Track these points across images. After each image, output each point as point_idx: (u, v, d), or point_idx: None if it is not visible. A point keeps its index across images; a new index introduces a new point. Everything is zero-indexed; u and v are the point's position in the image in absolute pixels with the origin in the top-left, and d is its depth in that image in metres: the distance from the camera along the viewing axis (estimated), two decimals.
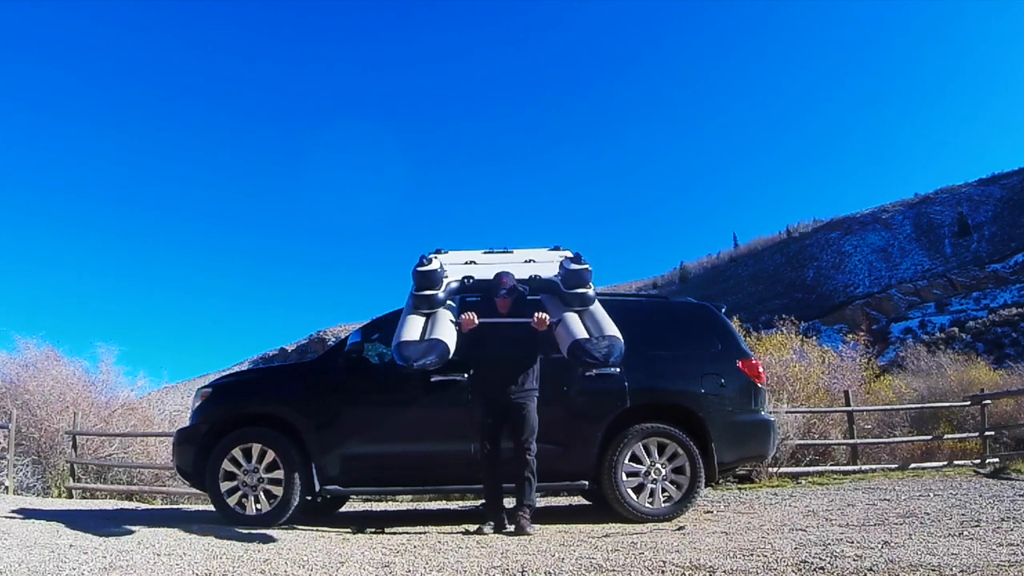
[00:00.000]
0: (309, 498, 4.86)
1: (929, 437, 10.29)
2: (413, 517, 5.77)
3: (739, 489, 7.54)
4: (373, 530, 4.42)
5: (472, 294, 4.60)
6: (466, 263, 4.77)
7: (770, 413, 5.28)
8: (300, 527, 4.58)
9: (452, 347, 4.04)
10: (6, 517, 5.27)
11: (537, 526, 4.55)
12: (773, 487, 7.66)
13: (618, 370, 4.77)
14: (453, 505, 7.11)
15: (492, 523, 4.31)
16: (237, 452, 4.72)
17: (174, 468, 5.44)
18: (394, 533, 4.36)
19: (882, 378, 15.54)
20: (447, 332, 4.11)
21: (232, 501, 4.69)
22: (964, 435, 10.50)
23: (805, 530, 4.03)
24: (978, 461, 9.15)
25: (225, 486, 4.69)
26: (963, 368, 16.97)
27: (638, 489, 4.64)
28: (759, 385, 4.96)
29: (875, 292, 69.72)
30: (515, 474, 4.32)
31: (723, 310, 5.41)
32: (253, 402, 4.99)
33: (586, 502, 6.11)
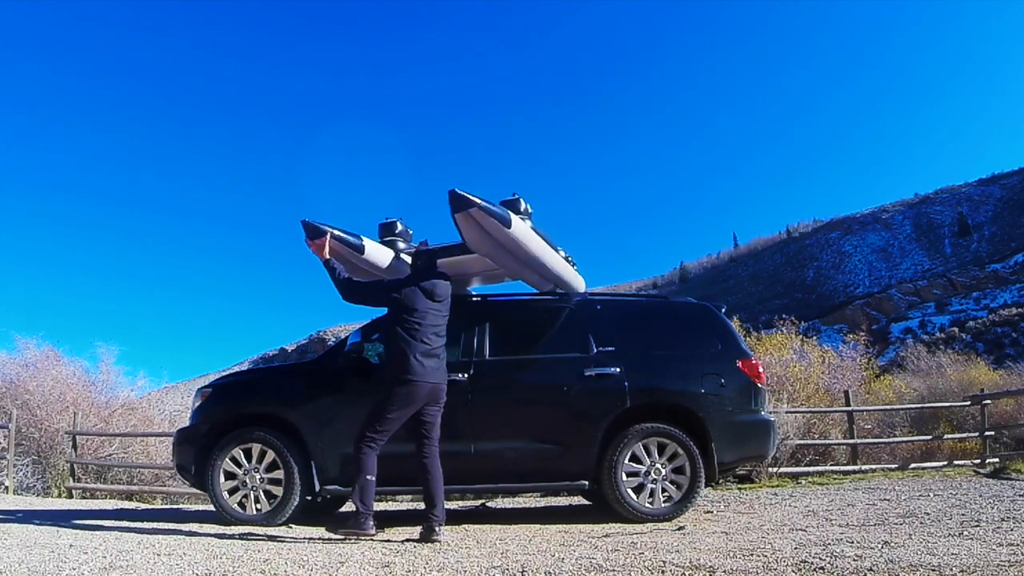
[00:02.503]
0: (309, 498, 4.86)
1: (929, 437, 10.29)
2: (413, 517, 5.77)
3: (739, 489, 7.54)
4: None
5: None
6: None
7: (770, 413, 5.27)
8: (300, 527, 4.58)
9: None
10: (6, 517, 5.27)
11: (536, 526, 4.56)
12: (773, 487, 7.65)
13: (618, 370, 4.80)
14: (453, 505, 7.10)
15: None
16: (237, 452, 4.72)
17: (174, 468, 5.44)
18: (394, 533, 4.35)
19: (882, 378, 15.56)
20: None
21: (232, 501, 4.69)
22: (964, 435, 10.50)
23: (805, 530, 4.03)
24: (978, 461, 9.15)
25: (225, 486, 4.69)
26: (963, 368, 16.98)
27: (638, 489, 4.64)
28: (759, 385, 4.95)
29: (875, 292, 69.74)
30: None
31: (723, 310, 5.40)
32: (253, 402, 4.99)
33: (586, 502, 6.11)
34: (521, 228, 4.42)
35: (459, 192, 4.03)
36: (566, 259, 5.28)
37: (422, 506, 4.10)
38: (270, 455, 4.69)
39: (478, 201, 4.05)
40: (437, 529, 3.90)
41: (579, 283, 5.50)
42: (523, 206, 4.77)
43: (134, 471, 9.72)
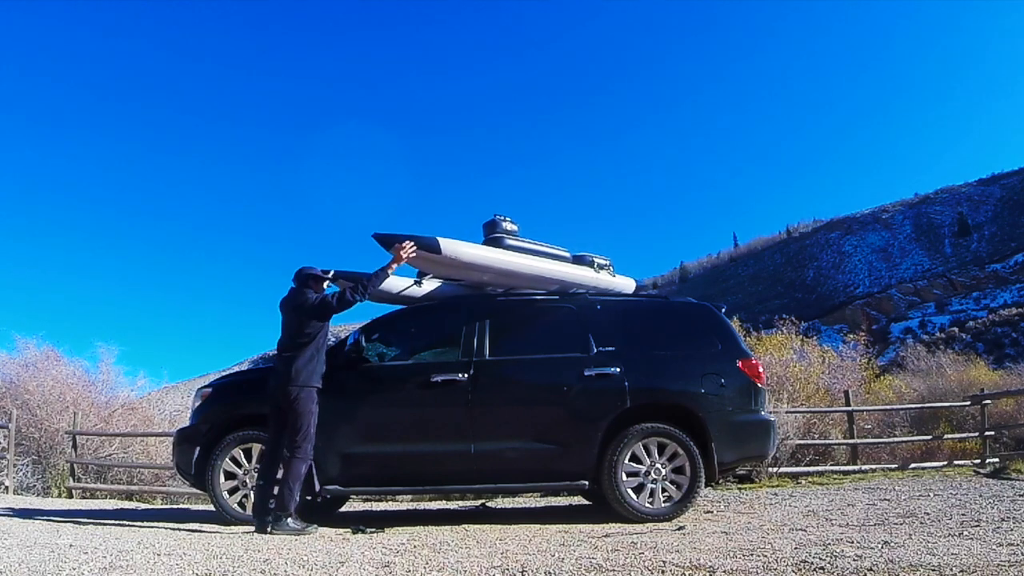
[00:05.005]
0: (309, 498, 4.86)
1: (929, 437, 10.29)
2: (413, 517, 5.77)
3: (739, 489, 7.54)
4: (373, 530, 4.42)
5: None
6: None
7: (770, 413, 5.27)
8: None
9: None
10: (6, 517, 5.27)
11: (536, 526, 4.55)
12: (773, 487, 7.66)
13: (618, 370, 4.80)
14: (453, 505, 7.11)
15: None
16: (237, 452, 4.74)
17: (174, 468, 5.44)
18: (394, 533, 4.36)
19: (882, 378, 15.58)
20: None
21: (232, 501, 4.70)
22: (964, 435, 10.50)
23: (805, 530, 4.03)
24: (978, 461, 9.15)
25: (225, 486, 4.70)
26: (963, 368, 17.02)
27: (638, 489, 4.64)
28: (759, 385, 4.95)
29: (875, 292, 69.75)
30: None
31: (723, 310, 5.41)
32: (253, 402, 4.98)
33: (586, 502, 6.12)
34: (462, 248, 4.82)
35: (380, 233, 4.64)
36: (594, 265, 5.55)
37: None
38: None
39: (400, 236, 4.59)
40: (274, 522, 4.24)
41: (613, 284, 5.68)
42: (504, 225, 5.27)
43: (134, 471, 9.72)
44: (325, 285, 4.72)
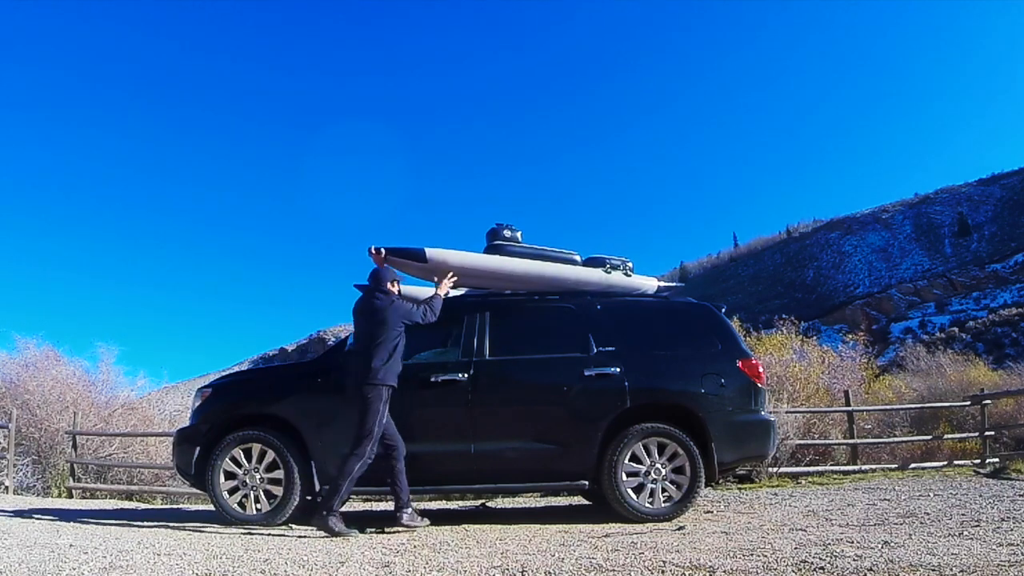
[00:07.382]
0: (309, 498, 4.86)
1: (929, 437, 10.29)
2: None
3: (739, 489, 7.54)
4: (373, 530, 4.43)
5: None
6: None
7: (770, 413, 5.27)
8: (300, 527, 4.59)
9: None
10: (6, 517, 5.27)
11: (536, 526, 4.56)
12: (773, 487, 7.66)
13: (618, 370, 4.80)
14: (453, 505, 7.11)
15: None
16: (237, 452, 4.73)
17: (174, 468, 5.44)
18: (394, 533, 4.36)
19: (882, 378, 15.57)
20: None
21: (232, 501, 4.70)
22: (964, 435, 10.50)
23: (805, 530, 4.03)
24: (978, 461, 9.15)
25: (225, 486, 4.69)
26: (963, 368, 17.00)
27: (638, 489, 4.64)
28: (759, 385, 4.95)
29: (875, 292, 69.76)
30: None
31: (723, 310, 5.41)
32: (253, 402, 4.99)
33: (586, 502, 6.12)
34: (449, 256, 4.96)
35: (375, 247, 4.87)
36: (605, 266, 5.54)
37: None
38: (270, 455, 4.70)
39: (390, 249, 4.86)
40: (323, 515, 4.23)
41: (628, 284, 5.64)
42: (504, 233, 5.40)
43: (134, 471, 9.72)
44: (396, 288, 4.73)
